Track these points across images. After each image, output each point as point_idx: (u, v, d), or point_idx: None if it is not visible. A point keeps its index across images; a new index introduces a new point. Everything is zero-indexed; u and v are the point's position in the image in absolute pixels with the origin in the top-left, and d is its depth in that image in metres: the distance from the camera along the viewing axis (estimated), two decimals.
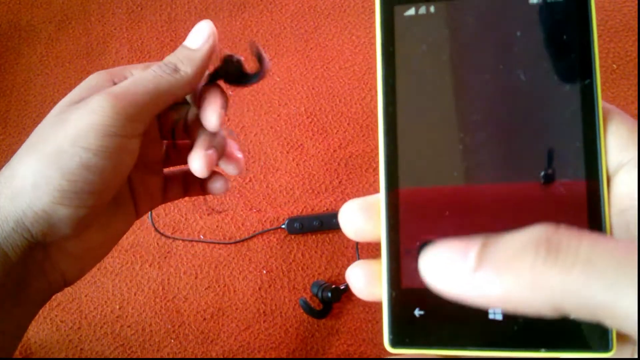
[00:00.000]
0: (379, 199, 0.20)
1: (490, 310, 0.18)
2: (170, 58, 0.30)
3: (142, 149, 0.30)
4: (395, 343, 0.19)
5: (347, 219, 0.20)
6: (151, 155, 0.34)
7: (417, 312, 0.19)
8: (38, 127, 0.29)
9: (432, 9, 0.20)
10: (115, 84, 0.30)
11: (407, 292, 0.19)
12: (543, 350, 0.18)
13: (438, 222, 0.19)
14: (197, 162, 0.31)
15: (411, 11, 0.20)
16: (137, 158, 0.30)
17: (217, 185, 0.37)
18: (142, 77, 0.29)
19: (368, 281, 0.20)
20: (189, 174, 0.36)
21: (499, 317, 0.18)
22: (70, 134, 0.27)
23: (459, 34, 0.20)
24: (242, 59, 0.31)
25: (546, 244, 0.15)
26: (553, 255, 0.14)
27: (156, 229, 0.60)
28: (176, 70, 0.29)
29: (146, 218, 0.60)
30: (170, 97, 0.30)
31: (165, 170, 0.37)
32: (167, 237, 0.60)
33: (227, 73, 0.31)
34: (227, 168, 0.35)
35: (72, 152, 0.26)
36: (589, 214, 0.19)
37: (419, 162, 0.20)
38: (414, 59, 0.20)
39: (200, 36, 0.30)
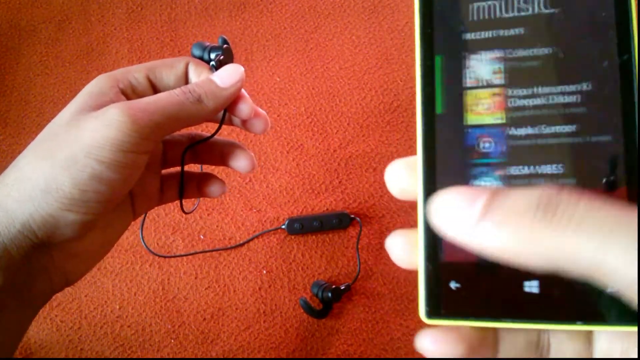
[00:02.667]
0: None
1: (526, 284, 0.19)
2: (196, 88, 0.30)
3: None
4: (431, 314, 0.19)
5: (392, 177, 0.21)
6: (150, 157, 0.34)
7: (453, 285, 0.19)
8: (48, 131, 0.29)
9: None
10: (121, 89, 0.30)
11: (444, 265, 0.20)
12: (579, 323, 0.18)
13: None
14: (244, 162, 0.34)
15: None
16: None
17: (213, 188, 0.37)
18: (164, 99, 0.29)
19: (407, 250, 0.21)
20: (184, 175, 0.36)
21: (535, 290, 0.19)
22: (85, 144, 0.27)
23: (498, 17, 0.20)
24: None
25: (545, 204, 0.15)
26: (550, 215, 0.15)
27: (149, 250, 0.60)
28: (199, 101, 0.30)
29: (147, 218, 0.60)
30: (187, 124, 0.30)
31: (163, 171, 0.37)
32: (161, 256, 0.60)
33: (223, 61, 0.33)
34: (239, 164, 0.35)
35: (85, 162, 0.27)
36: None
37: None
38: (452, 43, 0.20)
39: (231, 78, 0.31)
